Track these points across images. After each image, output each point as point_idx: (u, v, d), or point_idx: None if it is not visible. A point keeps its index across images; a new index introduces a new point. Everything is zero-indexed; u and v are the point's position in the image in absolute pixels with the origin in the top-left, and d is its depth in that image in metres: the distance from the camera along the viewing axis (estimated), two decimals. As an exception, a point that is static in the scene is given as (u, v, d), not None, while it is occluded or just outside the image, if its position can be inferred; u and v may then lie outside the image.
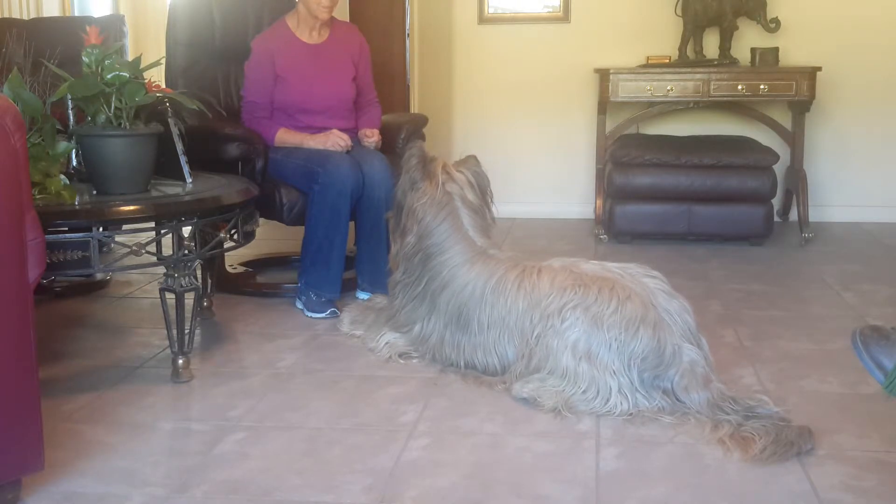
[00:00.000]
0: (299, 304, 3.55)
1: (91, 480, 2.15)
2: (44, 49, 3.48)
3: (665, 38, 5.24)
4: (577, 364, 2.55)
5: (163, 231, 2.72)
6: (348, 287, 3.63)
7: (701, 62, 4.96)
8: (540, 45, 5.41)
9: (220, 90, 3.96)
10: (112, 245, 2.66)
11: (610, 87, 4.80)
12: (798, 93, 4.73)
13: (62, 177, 2.67)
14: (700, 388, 2.51)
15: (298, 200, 3.54)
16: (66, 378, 2.85)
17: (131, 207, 2.63)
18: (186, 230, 2.76)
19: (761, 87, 4.73)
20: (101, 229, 2.56)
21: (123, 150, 2.76)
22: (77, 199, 2.66)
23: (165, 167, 2.99)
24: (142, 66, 2.79)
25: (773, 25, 4.94)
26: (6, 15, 4.75)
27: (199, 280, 3.11)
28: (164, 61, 3.67)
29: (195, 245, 2.77)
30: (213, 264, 3.48)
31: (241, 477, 2.16)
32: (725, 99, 4.82)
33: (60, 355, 3.07)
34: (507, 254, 2.99)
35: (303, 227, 3.53)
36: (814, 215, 5.06)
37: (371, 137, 3.74)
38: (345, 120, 3.78)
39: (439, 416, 2.53)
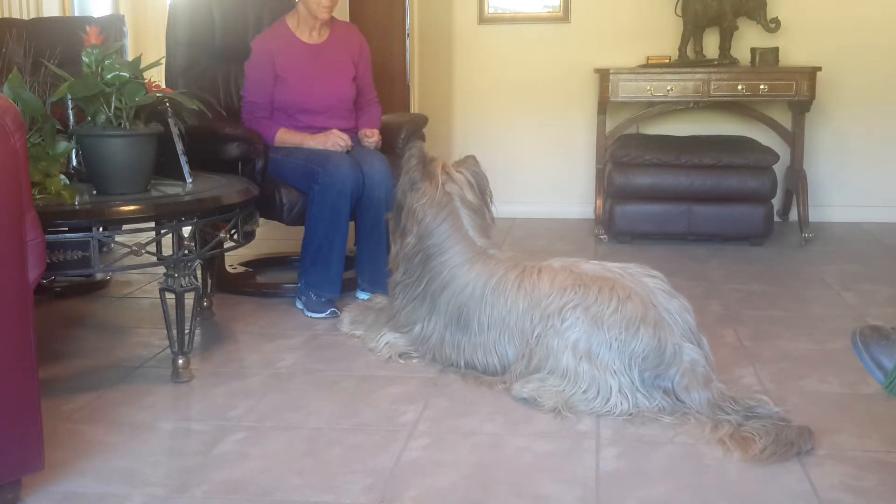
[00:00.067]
0: (299, 304, 3.55)
1: (91, 480, 2.15)
2: (44, 49, 3.48)
3: (665, 38, 5.24)
4: (578, 364, 2.55)
5: (163, 231, 2.72)
6: (348, 287, 3.63)
7: (701, 62, 4.96)
8: (540, 45, 5.41)
9: (220, 90, 3.96)
10: (112, 245, 2.66)
11: (610, 87, 4.80)
12: (798, 93, 4.73)
13: (62, 177, 2.67)
14: (700, 387, 2.51)
15: (298, 200, 3.54)
16: (66, 378, 2.85)
17: (131, 207, 2.63)
18: (186, 230, 2.76)
19: (761, 87, 4.73)
20: (101, 229, 2.56)
21: (123, 150, 2.76)
22: (77, 199, 2.66)
23: (165, 167, 2.99)
24: (142, 66, 2.79)
25: (773, 25, 4.94)
26: (6, 15, 4.75)
27: (199, 280, 3.11)
28: (164, 61, 3.67)
29: (195, 245, 2.77)
30: (213, 264, 3.48)
31: (241, 477, 2.16)
32: (725, 99, 4.82)
33: (60, 355, 3.07)
34: (507, 254, 2.99)
35: (303, 227, 3.53)
36: (814, 215, 5.06)
37: (371, 137, 3.74)
38: (345, 120, 3.78)
39: (439, 416, 2.53)
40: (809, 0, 5.16)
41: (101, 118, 2.73)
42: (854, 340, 2.20)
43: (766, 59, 4.86)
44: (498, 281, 2.78)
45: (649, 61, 5.04)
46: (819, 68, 4.76)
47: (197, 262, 2.91)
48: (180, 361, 2.80)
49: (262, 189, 3.31)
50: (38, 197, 2.52)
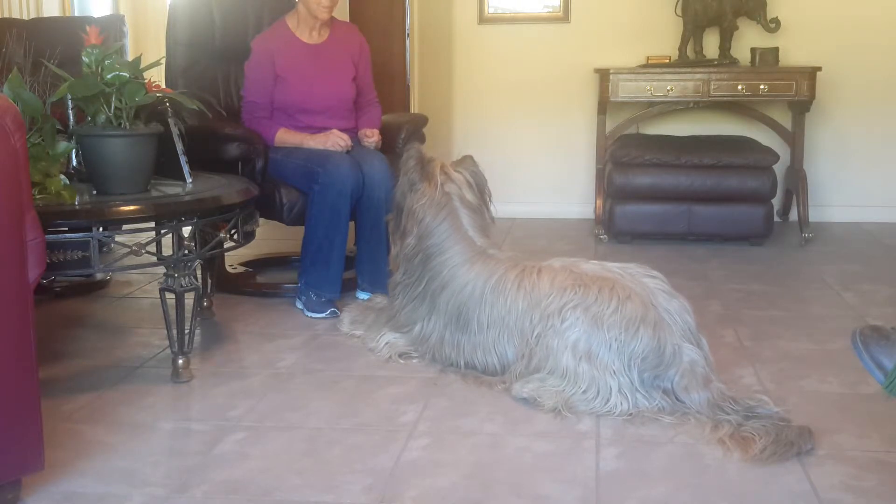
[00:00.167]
0: (299, 304, 3.55)
1: (91, 480, 2.15)
2: (44, 49, 3.48)
3: (665, 38, 5.24)
4: (578, 364, 2.55)
5: (163, 231, 2.72)
6: (348, 287, 3.63)
7: (701, 62, 4.96)
8: (540, 45, 5.41)
9: (220, 90, 3.96)
10: (112, 245, 2.65)
11: (610, 87, 4.80)
12: (798, 93, 4.73)
13: (62, 177, 2.67)
14: (700, 388, 2.51)
15: (298, 200, 3.54)
16: (66, 378, 2.85)
17: (131, 207, 2.63)
18: (186, 230, 2.76)
19: (761, 87, 4.73)
20: (101, 229, 2.56)
21: (123, 150, 2.76)
22: (77, 199, 2.66)
23: (165, 167, 2.99)
24: (142, 66, 2.79)
25: (773, 25, 4.94)
26: (6, 15, 4.75)
27: (199, 280, 3.11)
28: (164, 61, 3.67)
29: (195, 245, 2.77)
30: (213, 264, 3.48)
31: (241, 477, 2.16)
32: (725, 99, 4.82)
33: (60, 355, 3.07)
34: (507, 254, 2.99)
35: (303, 227, 3.53)
36: (814, 215, 5.06)
37: (371, 137, 3.74)
38: (345, 120, 3.78)
39: (439, 416, 2.53)
40: (809, 0, 5.16)
41: (101, 118, 2.73)
42: (854, 340, 2.20)
43: (766, 59, 4.86)
44: (498, 280, 2.78)
45: (649, 61, 5.04)
46: (819, 68, 4.76)
47: (197, 262, 2.91)
48: (180, 361, 2.80)
49: (262, 189, 3.31)
50: (38, 197, 2.52)
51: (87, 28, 2.77)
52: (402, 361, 2.95)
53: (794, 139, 4.93)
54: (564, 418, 2.48)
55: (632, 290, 2.60)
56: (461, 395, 2.69)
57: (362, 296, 3.62)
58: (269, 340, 3.20)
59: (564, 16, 5.37)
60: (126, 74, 2.70)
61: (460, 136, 5.52)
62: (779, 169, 4.80)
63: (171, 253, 2.74)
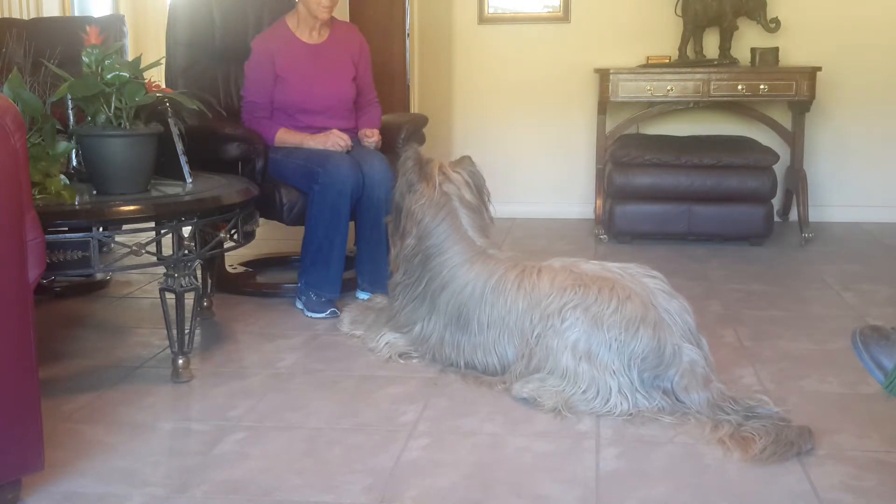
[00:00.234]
0: (299, 304, 3.55)
1: (91, 480, 2.15)
2: (44, 49, 3.48)
3: (665, 38, 5.24)
4: (577, 364, 2.55)
5: (163, 231, 2.72)
6: (348, 287, 3.63)
7: (701, 62, 4.96)
8: (540, 45, 5.41)
9: (220, 90, 3.96)
10: (112, 245, 2.65)
11: (610, 87, 4.80)
12: (798, 93, 4.73)
13: (62, 177, 2.67)
14: (700, 388, 2.51)
15: (298, 200, 3.54)
16: (66, 378, 2.85)
17: (131, 207, 2.63)
18: (186, 230, 2.76)
19: (761, 87, 4.73)
20: (101, 229, 2.56)
21: (123, 150, 2.76)
22: (77, 199, 2.66)
23: (165, 167, 2.99)
24: (142, 66, 2.79)
25: (773, 25, 4.94)
26: (6, 15, 4.75)
27: (199, 280, 3.11)
28: (164, 61, 3.67)
29: (195, 245, 2.77)
30: (213, 264, 3.48)
31: (241, 477, 2.16)
32: (725, 99, 4.82)
33: (60, 355, 3.07)
34: (507, 254, 2.99)
35: (303, 227, 3.53)
36: (814, 215, 5.06)
37: (371, 137, 3.74)
38: (345, 120, 3.78)
39: (439, 416, 2.53)
40: (809, 0, 5.16)
41: (101, 118, 2.73)
42: (854, 340, 2.20)
43: (766, 59, 4.86)
44: (497, 280, 2.78)
45: (649, 61, 5.04)
46: (819, 68, 4.76)
47: (197, 262, 2.91)
48: (180, 361, 2.80)
49: (262, 189, 3.31)
50: (38, 197, 2.52)
51: (87, 28, 2.77)
52: (402, 361, 2.95)
53: (794, 139, 4.93)
54: (564, 418, 2.48)
55: (632, 291, 2.60)
56: (461, 395, 2.69)
57: (362, 296, 3.62)
58: (269, 340, 3.20)
59: (564, 16, 5.37)
60: (126, 74, 2.70)
61: (460, 136, 5.52)
62: (779, 169, 4.80)
63: (171, 253, 2.74)
